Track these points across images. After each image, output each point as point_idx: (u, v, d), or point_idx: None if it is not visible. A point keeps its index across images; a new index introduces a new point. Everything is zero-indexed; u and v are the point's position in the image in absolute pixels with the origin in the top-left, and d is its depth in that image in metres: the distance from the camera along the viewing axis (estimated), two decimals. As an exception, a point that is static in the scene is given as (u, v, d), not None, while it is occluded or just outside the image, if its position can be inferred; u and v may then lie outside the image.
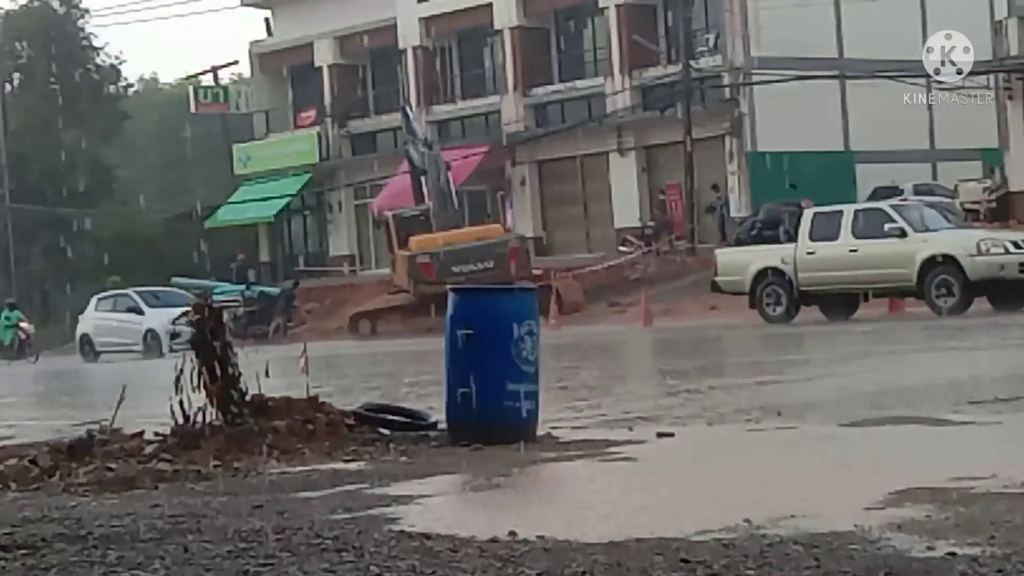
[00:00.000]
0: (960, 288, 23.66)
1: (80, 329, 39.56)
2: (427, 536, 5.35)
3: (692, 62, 41.53)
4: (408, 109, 41.93)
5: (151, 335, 36.38)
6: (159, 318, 35.64)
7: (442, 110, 50.95)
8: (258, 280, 43.83)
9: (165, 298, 37.17)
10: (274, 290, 41.80)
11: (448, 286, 10.15)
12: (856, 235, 25.01)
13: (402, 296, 36.58)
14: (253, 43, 56.54)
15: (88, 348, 38.87)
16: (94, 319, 38.93)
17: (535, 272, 36.48)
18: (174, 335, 32.23)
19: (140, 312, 37.34)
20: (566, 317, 33.58)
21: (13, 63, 61.43)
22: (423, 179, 37.84)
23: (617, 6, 45.44)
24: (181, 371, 8.43)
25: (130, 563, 5.03)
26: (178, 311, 29.22)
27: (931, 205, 28.10)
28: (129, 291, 39.37)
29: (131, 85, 68.99)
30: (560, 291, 34.51)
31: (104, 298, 39.73)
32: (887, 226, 24.57)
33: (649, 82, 45.31)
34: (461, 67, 51.60)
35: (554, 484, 7.38)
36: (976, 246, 23.85)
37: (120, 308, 38.50)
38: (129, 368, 28.86)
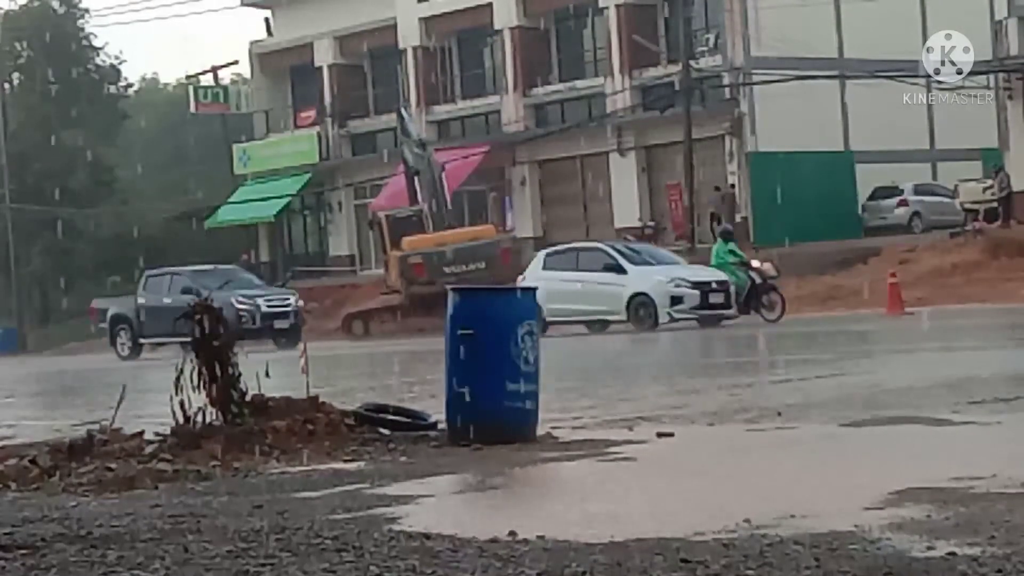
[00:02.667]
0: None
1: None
2: (427, 536, 5.35)
3: (692, 62, 41.55)
4: (404, 111, 41.98)
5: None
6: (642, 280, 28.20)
7: (442, 110, 50.97)
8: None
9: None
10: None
11: (447, 286, 10.15)
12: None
13: (395, 296, 36.61)
14: (253, 43, 56.56)
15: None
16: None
17: None
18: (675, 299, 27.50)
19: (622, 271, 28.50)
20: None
21: (13, 63, 61.43)
22: (417, 180, 37.90)
23: (617, 6, 45.45)
24: (181, 371, 8.43)
25: (130, 563, 5.03)
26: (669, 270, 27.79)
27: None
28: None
29: (131, 85, 69.00)
30: None
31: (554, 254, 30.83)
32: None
33: (649, 82, 45.33)
34: (461, 67, 51.61)
35: (554, 484, 7.38)
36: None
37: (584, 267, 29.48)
38: (135, 368, 28.87)
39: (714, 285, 27.33)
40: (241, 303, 31.48)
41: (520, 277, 29.35)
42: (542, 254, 31.10)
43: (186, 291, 31.30)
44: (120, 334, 34.03)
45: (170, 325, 32.44)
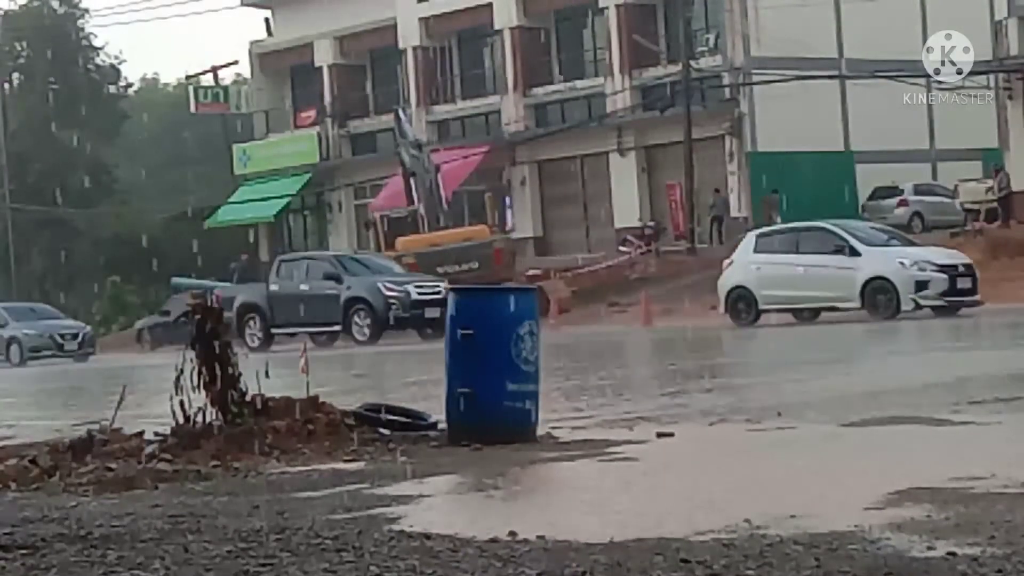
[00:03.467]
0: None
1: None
2: (427, 536, 5.35)
3: (692, 62, 41.56)
4: (401, 112, 42.04)
5: None
6: None
7: (442, 110, 50.98)
8: (258, 280, 43.73)
9: None
10: None
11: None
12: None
13: None
14: (253, 43, 56.57)
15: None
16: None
17: (530, 273, 36.50)
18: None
19: None
20: (566, 317, 33.59)
21: (13, 63, 61.47)
22: (413, 181, 37.98)
23: (617, 6, 45.47)
24: (181, 371, 8.43)
25: (130, 563, 5.03)
26: None
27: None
28: None
29: (131, 85, 69.09)
30: (546, 291, 34.53)
31: None
32: None
33: (649, 82, 45.35)
34: (461, 67, 51.63)
35: (554, 484, 7.38)
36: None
37: None
38: (136, 368, 28.87)
39: (961, 268, 25.48)
40: (390, 290, 30.01)
41: (726, 261, 27.17)
42: (752, 235, 28.27)
43: (329, 277, 30.82)
44: (249, 324, 31.87)
45: (307, 314, 30.18)
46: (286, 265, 32.58)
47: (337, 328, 30.64)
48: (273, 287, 31.75)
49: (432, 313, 28.68)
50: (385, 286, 29.92)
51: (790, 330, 24.98)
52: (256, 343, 31.06)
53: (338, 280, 30.64)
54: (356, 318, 30.23)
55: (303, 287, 30.73)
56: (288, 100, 56.26)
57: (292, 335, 30.47)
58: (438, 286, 30.28)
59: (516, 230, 44.69)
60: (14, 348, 38.00)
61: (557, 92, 48.06)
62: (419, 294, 30.16)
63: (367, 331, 30.04)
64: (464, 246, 35.48)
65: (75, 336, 38.61)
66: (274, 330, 31.44)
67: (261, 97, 56.23)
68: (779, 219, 42.10)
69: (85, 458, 8.09)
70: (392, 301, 29.76)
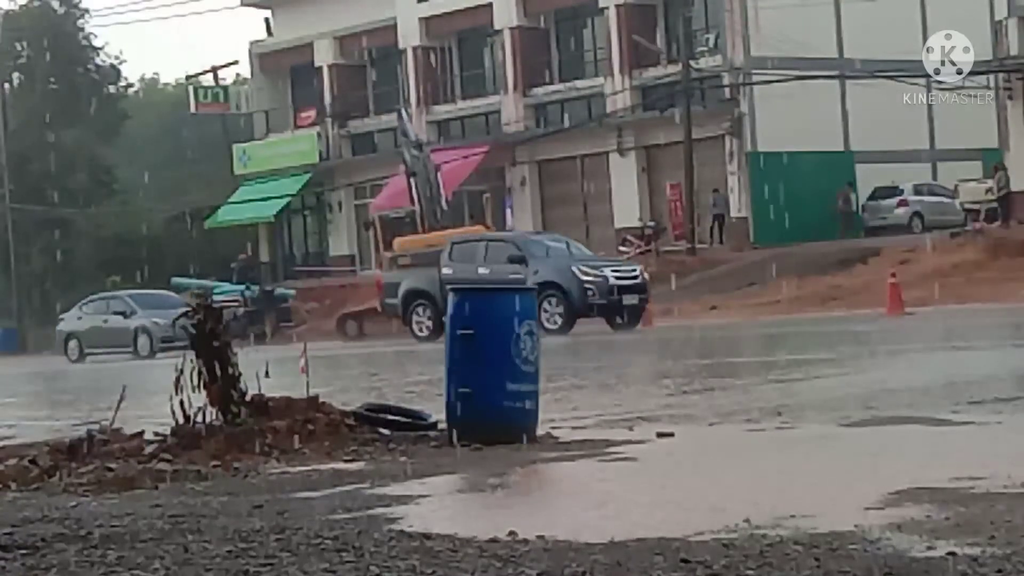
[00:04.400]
0: None
1: None
2: (427, 536, 5.35)
3: (692, 62, 41.55)
4: (403, 112, 42.03)
5: None
6: None
7: (442, 110, 50.98)
8: (258, 280, 43.77)
9: None
10: (289, 292, 41.78)
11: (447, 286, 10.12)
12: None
13: None
14: (253, 43, 56.57)
15: None
16: None
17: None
18: None
19: None
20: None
21: (13, 63, 61.42)
22: (413, 181, 38.00)
23: (617, 6, 45.46)
24: (181, 371, 8.43)
25: (130, 563, 5.03)
26: None
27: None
28: None
29: (131, 85, 69.02)
30: None
31: None
32: None
33: (649, 82, 45.34)
34: (461, 67, 51.63)
35: (554, 484, 7.38)
36: None
37: None
38: (136, 368, 28.88)
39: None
40: (586, 274, 27.54)
41: None
42: None
43: (513, 260, 28.11)
44: (417, 312, 29.73)
45: None
46: (460, 247, 29.67)
47: None
48: (446, 271, 28.83)
49: (630, 300, 27.45)
50: (580, 269, 27.57)
51: (791, 330, 24.98)
52: (425, 332, 29.08)
53: (523, 263, 27.90)
54: (546, 305, 26.97)
55: (482, 271, 28.16)
56: (288, 100, 56.26)
57: None
58: (635, 270, 28.73)
59: (516, 230, 44.65)
60: (143, 339, 34.74)
61: (557, 92, 48.06)
62: (616, 278, 27.82)
63: (558, 319, 27.29)
64: None
65: None
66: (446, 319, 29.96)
67: (261, 97, 56.23)
68: (852, 209, 42.27)
69: (85, 458, 8.09)
70: (588, 286, 27.28)
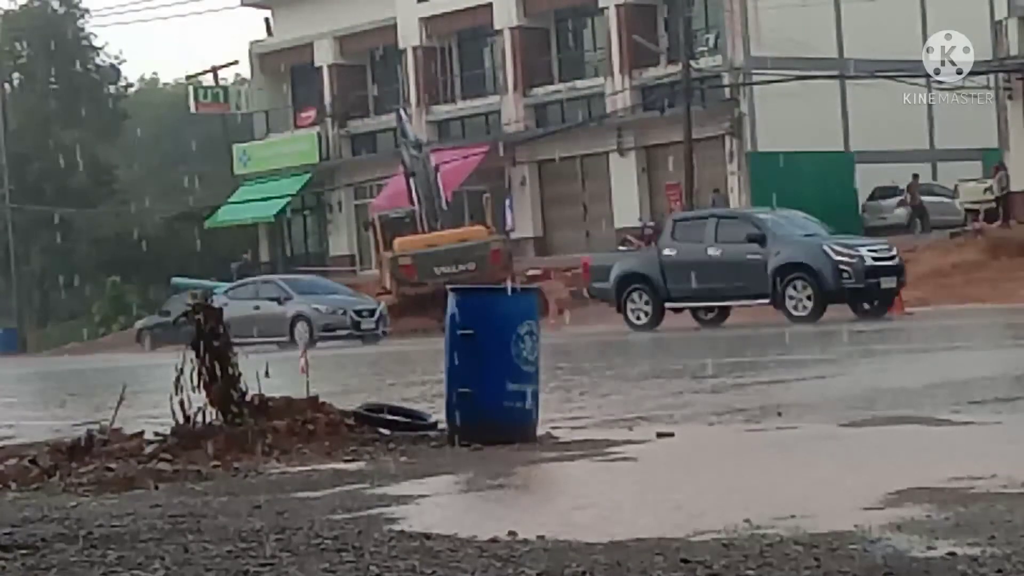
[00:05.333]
0: None
1: None
2: (427, 536, 5.35)
3: (692, 62, 41.54)
4: (402, 112, 42.05)
5: None
6: None
7: (442, 110, 50.99)
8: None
9: None
10: None
11: (447, 287, 10.12)
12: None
13: (387, 297, 36.66)
14: (253, 43, 56.59)
15: None
16: None
17: (530, 273, 36.46)
18: None
19: None
20: (564, 317, 33.54)
21: (13, 63, 61.49)
22: (413, 181, 38.03)
23: (617, 6, 45.48)
24: (181, 371, 8.43)
25: (130, 563, 5.03)
26: None
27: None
28: None
29: (131, 85, 69.12)
30: (544, 291, 34.51)
31: None
32: None
33: (649, 82, 45.35)
34: (461, 67, 51.65)
35: (554, 484, 7.38)
36: None
37: None
38: (136, 368, 28.86)
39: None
40: (840, 255, 25.03)
41: None
42: None
43: (753, 239, 25.60)
44: (632, 298, 27.28)
45: (713, 283, 25.19)
46: (684, 225, 27.39)
47: (764, 300, 25.52)
48: (668, 252, 26.65)
49: (888, 283, 25.31)
50: (833, 249, 25.10)
51: (792, 330, 24.95)
52: (642, 320, 27.03)
53: (762, 243, 25.45)
54: (791, 289, 25.04)
55: (712, 252, 25.86)
56: (288, 100, 56.27)
57: (682, 310, 26.63)
58: (891, 249, 26.23)
59: (516, 230, 44.68)
60: (300, 326, 32.14)
61: (557, 92, 48.08)
62: (873, 259, 25.35)
63: (807, 304, 24.98)
64: (461, 246, 35.45)
65: (371, 313, 32.74)
66: (668, 304, 26.80)
67: (261, 97, 56.24)
68: (919, 201, 41.98)
69: (85, 458, 8.09)
70: (844, 268, 24.88)
